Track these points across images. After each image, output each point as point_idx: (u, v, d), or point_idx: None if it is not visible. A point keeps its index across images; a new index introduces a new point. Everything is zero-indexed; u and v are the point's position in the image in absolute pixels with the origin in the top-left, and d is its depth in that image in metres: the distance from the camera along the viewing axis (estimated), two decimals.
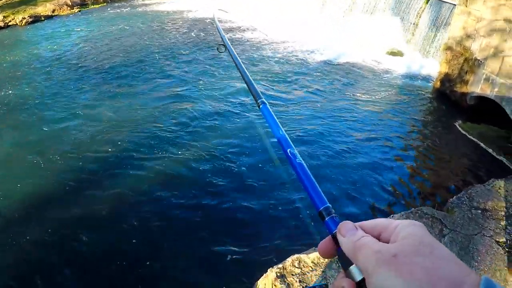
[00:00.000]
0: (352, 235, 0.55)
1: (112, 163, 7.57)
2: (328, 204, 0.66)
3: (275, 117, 0.92)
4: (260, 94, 1.08)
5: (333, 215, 0.64)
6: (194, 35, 16.68)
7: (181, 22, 19.08)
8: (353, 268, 0.53)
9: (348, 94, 10.72)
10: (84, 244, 5.67)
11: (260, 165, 7.31)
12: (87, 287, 5.06)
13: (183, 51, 14.48)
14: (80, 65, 13.27)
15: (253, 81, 1.21)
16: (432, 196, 6.57)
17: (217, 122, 9.04)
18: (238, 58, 1.51)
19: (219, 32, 2.14)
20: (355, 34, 15.28)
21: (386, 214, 5.50)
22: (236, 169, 7.25)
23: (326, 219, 0.64)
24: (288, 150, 0.79)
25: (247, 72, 1.31)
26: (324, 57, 13.73)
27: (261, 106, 1.03)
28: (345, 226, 0.58)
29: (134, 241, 5.68)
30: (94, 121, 9.26)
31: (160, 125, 8.93)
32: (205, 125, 8.91)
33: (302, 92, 10.82)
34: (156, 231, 5.88)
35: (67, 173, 7.32)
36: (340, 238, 0.57)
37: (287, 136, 0.84)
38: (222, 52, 1.93)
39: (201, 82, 11.48)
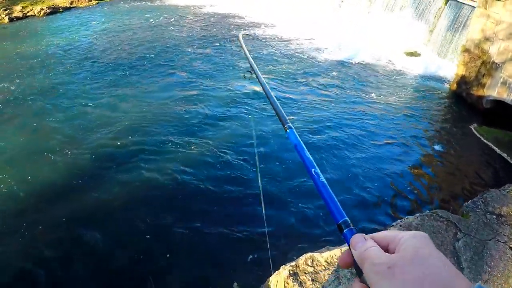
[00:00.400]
0: (360, 247, 0.62)
1: (124, 157, 7.63)
2: (346, 218, 0.72)
3: (301, 141, 1.00)
4: (287, 119, 1.15)
5: (351, 227, 0.70)
6: (210, 31, 16.70)
7: (197, 17, 19.12)
8: (365, 276, 0.59)
9: (362, 95, 10.65)
10: (96, 236, 5.75)
11: (277, 162, 7.35)
12: (99, 278, 5.14)
13: (198, 47, 14.51)
14: (93, 58, 13.37)
15: (280, 107, 1.26)
16: (446, 199, 6.53)
17: (231, 119, 9.06)
18: (266, 84, 1.55)
19: (246, 57, 2.14)
20: (372, 34, 15.16)
21: (400, 217, 5.49)
22: (252, 168, 7.27)
23: (344, 231, 0.70)
24: (313, 170, 0.85)
25: (275, 98, 1.37)
26: (340, 57, 13.65)
27: (288, 130, 1.10)
28: (355, 239, 0.65)
29: (147, 236, 5.75)
30: (107, 113, 9.36)
31: (173, 120, 8.99)
32: (218, 122, 8.94)
33: (315, 92, 10.77)
34: (169, 225, 5.94)
35: (79, 166, 7.38)
36: (352, 250, 0.64)
37: (311, 158, 0.91)
38: (249, 77, 1.94)
39: (216, 77, 11.52)
